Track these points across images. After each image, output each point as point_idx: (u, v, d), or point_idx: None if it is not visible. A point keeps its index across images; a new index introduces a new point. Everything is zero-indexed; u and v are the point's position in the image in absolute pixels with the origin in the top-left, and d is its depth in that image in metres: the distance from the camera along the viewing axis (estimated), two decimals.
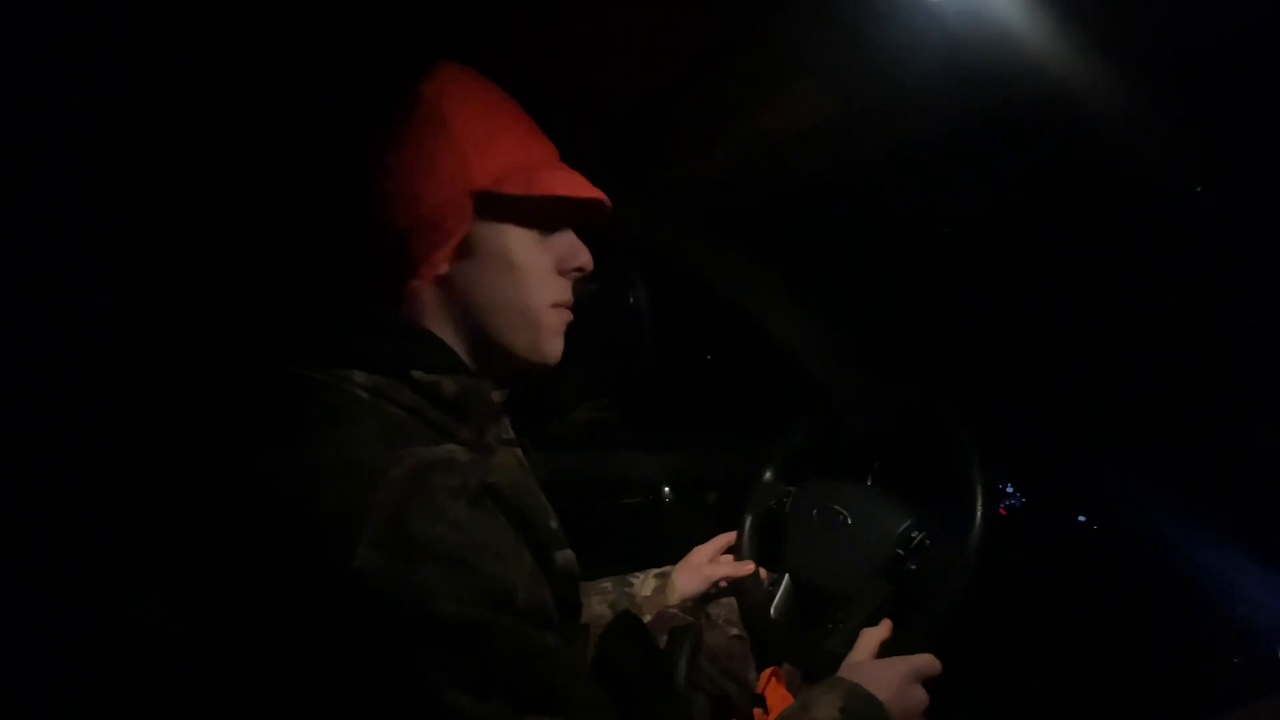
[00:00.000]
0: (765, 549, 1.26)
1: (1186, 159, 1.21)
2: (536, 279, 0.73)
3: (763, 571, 1.22)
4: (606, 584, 1.10)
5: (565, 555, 0.70)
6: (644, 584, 1.12)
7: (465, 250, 0.70)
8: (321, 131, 0.72)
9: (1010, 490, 1.38)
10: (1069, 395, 1.39)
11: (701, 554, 1.18)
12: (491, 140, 0.70)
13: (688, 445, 1.67)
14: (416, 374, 0.67)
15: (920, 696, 0.89)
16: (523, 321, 0.73)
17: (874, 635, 0.98)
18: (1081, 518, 1.28)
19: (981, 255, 1.55)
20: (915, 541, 1.11)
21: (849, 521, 1.18)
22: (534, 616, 0.62)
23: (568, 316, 0.77)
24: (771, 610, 1.18)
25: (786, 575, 1.21)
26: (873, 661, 0.93)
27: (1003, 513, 1.36)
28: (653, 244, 1.47)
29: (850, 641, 0.99)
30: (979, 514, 1.04)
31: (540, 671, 0.60)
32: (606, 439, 1.66)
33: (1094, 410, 1.35)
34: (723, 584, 1.18)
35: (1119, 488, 1.25)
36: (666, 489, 1.59)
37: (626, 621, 0.91)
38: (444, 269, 0.69)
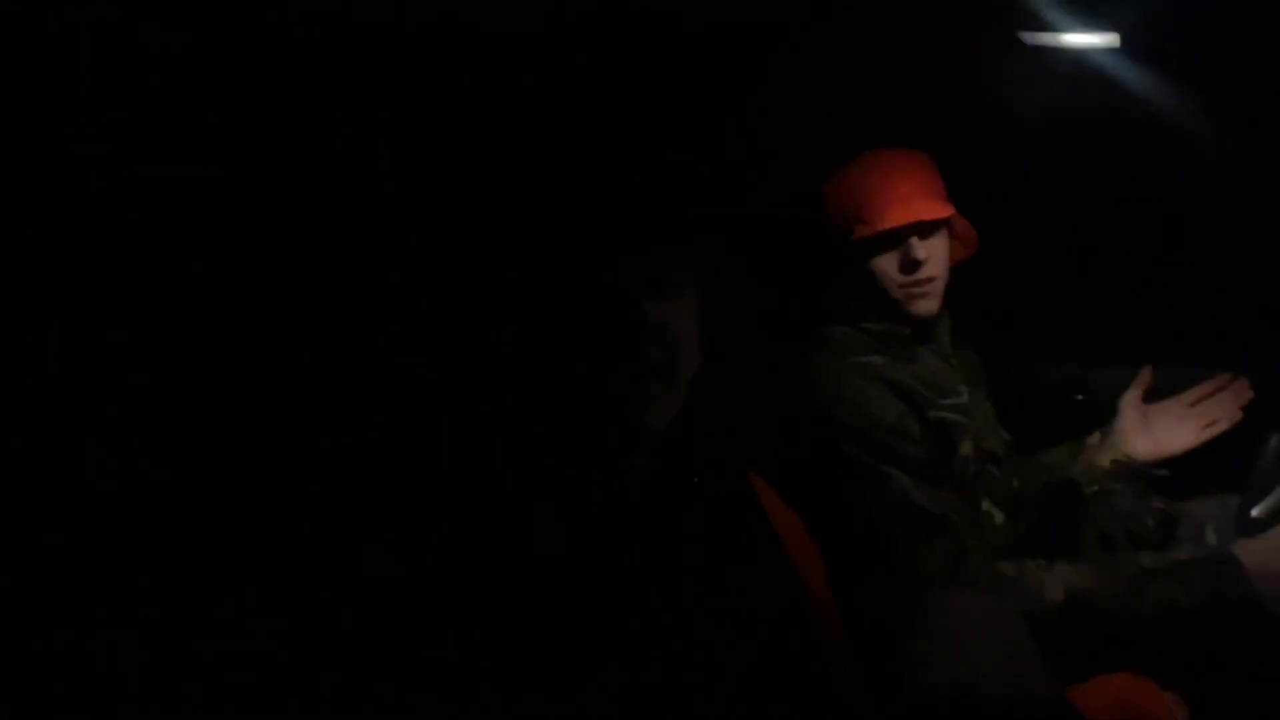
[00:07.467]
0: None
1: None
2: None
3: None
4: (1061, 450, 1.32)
5: (940, 415, 1.16)
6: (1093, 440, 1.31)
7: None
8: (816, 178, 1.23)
9: None
10: None
11: (1130, 404, 1.28)
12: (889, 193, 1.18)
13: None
14: (865, 325, 1.21)
15: None
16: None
17: None
18: None
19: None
20: None
21: None
22: (905, 446, 1.10)
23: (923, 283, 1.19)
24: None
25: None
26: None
27: None
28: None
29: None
30: None
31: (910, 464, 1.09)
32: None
33: None
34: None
35: None
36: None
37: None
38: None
